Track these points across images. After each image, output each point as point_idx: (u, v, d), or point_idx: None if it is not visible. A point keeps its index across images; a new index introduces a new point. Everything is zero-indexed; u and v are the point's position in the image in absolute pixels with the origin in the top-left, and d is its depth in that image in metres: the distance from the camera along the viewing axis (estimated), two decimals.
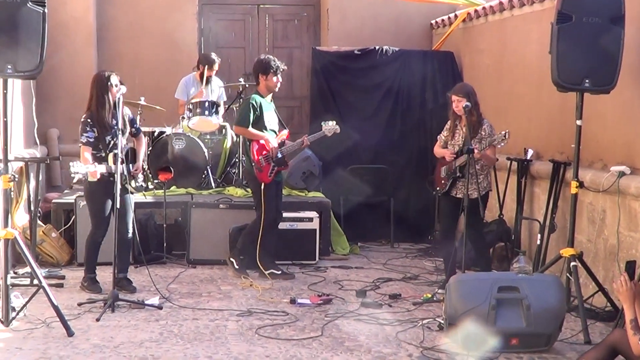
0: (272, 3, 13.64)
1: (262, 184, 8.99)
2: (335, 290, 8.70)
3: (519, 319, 6.51)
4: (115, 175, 7.80)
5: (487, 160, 8.44)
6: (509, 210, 9.83)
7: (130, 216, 8.29)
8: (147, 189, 9.03)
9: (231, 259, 9.22)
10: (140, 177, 8.47)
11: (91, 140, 8.03)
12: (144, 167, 10.63)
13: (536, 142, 9.50)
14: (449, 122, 8.71)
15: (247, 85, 11.28)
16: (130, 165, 8.21)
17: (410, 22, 13.07)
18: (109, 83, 8.08)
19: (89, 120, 8.05)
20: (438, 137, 8.88)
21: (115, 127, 8.03)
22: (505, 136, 8.05)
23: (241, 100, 11.08)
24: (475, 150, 8.14)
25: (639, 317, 5.40)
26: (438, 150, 8.81)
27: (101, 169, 7.92)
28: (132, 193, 8.23)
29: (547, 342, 6.58)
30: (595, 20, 7.22)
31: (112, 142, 8.11)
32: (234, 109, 11.35)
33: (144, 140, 8.71)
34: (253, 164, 8.96)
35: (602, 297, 7.58)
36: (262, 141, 9.01)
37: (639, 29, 7.48)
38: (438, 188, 8.78)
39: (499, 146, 8.27)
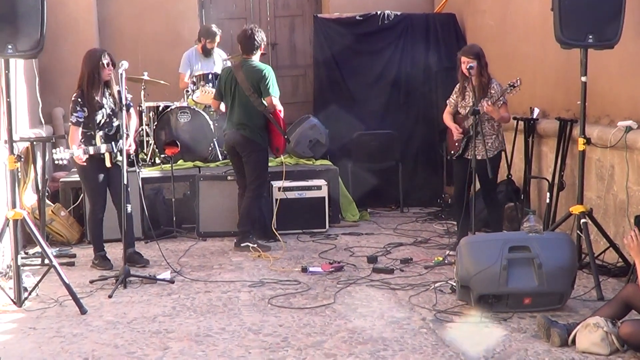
0: None
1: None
2: (346, 257, 8.71)
3: (531, 279, 6.49)
4: (109, 152, 7.90)
5: (500, 119, 8.41)
6: (518, 170, 9.81)
7: (127, 191, 8.27)
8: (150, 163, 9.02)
9: (243, 245, 9.04)
10: (132, 152, 8.42)
11: (81, 120, 8.03)
12: (148, 142, 10.69)
13: (542, 100, 9.46)
14: (457, 85, 8.68)
15: None
16: (120, 141, 8.11)
17: None
18: (100, 62, 8.04)
19: (79, 99, 8.03)
20: (447, 101, 8.84)
21: (106, 106, 8.08)
22: (516, 83, 8.02)
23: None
24: (485, 104, 8.15)
25: None
26: (447, 120, 8.75)
27: (88, 151, 7.94)
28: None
29: (560, 301, 6.57)
30: None
31: (102, 121, 8.10)
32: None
33: (134, 116, 8.66)
34: (286, 138, 9.12)
35: (614, 252, 7.58)
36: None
37: None
38: (452, 152, 8.76)
39: (514, 93, 8.22)
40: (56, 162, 7.95)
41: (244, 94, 8.96)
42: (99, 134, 8.05)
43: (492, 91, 8.37)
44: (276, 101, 9.00)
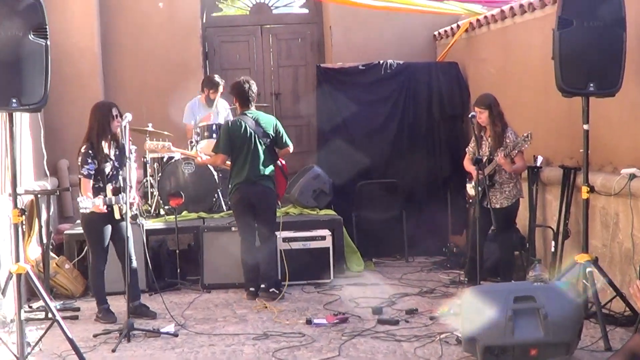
0: (275, 23, 13.69)
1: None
2: (351, 308, 8.66)
3: (537, 329, 6.44)
4: (118, 205, 7.88)
5: (513, 171, 8.44)
6: (522, 218, 9.76)
7: (132, 244, 8.28)
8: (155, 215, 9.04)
9: (271, 291, 9.10)
10: (135, 205, 8.43)
11: (92, 172, 8.04)
12: (152, 193, 10.69)
13: (545, 148, 9.45)
14: (475, 134, 8.78)
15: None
16: (124, 194, 8.10)
17: (413, 35, 13.05)
18: (110, 113, 8.11)
19: (89, 151, 8.05)
20: (466, 149, 8.98)
21: (114, 158, 8.10)
22: (528, 138, 8.06)
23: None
24: (499, 157, 8.20)
25: None
26: (467, 166, 8.88)
27: (106, 201, 7.94)
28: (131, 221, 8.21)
29: (566, 351, 6.50)
30: (596, 23, 7.18)
31: (110, 174, 8.13)
32: None
33: (134, 169, 8.68)
34: (288, 182, 9.40)
35: (621, 301, 7.52)
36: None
37: None
38: (471, 200, 8.81)
39: (524, 148, 8.28)
40: (81, 210, 7.91)
41: (263, 145, 9.07)
42: (108, 186, 8.06)
43: (507, 140, 8.42)
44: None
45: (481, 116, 8.53)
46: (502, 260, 8.89)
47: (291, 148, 9.32)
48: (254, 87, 9.23)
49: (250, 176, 9.05)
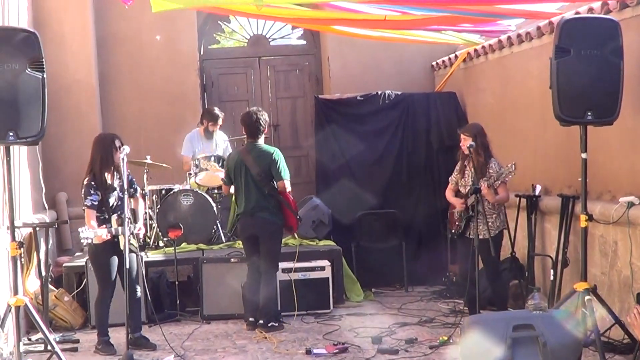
0: (273, 54, 13.73)
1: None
2: (350, 338, 8.64)
3: (536, 357, 6.40)
4: (124, 235, 7.86)
5: (495, 201, 8.42)
6: (521, 247, 9.78)
7: (136, 275, 8.28)
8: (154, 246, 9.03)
9: (270, 325, 9.04)
10: (141, 236, 8.45)
11: (95, 203, 8.06)
12: (151, 225, 10.69)
13: (543, 177, 9.47)
14: (459, 163, 8.74)
15: None
16: (132, 225, 8.15)
17: (411, 65, 13.10)
18: (113, 145, 8.14)
19: (92, 183, 8.08)
20: (449, 179, 8.91)
21: (117, 189, 8.12)
22: (512, 168, 8.05)
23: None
24: (482, 187, 8.16)
25: None
26: (450, 197, 8.85)
27: (111, 231, 7.95)
28: (135, 253, 8.22)
29: None
30: (593, 52, 7.19)
31: (114, 204, 8.14)
32: None
33: (141, 200, 8.71)
34: (298, 217, 9.31)
35: (620, 329, 7.50)
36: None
37: (638, 58, 7.48)
38: (453, 230, 8.78)
39: (507, 179, 8.27)
40: (82, 241, 7.92)
41: (257, 177, 9.03)
42: (114, 217, 8.08)
43: (491, 171, 8.40)
44: (287, 184, 9.11)
45: (465, 143, 8.51)
46: (493, 292, 8.86)
47: (286, 182, 9.07)
48: (263, 119, 9.19)
49: (246, 208, 9.09)
